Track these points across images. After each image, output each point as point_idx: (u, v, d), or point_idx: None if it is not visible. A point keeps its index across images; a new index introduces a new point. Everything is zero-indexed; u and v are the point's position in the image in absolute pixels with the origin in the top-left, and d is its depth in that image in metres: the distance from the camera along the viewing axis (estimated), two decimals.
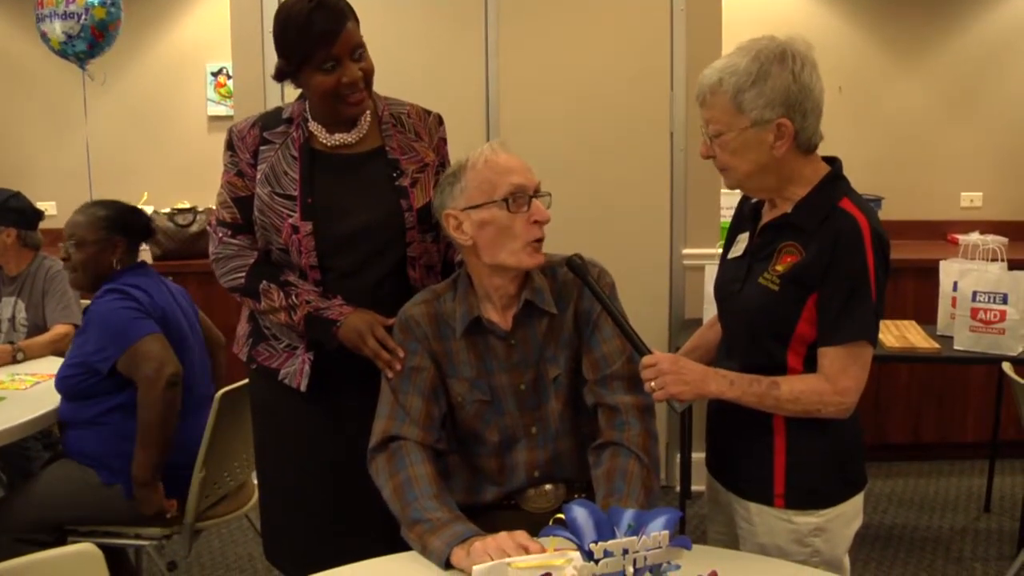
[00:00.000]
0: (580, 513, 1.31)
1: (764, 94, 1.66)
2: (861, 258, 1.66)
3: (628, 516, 1.32)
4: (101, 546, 1.61)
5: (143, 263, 2.79)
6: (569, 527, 1.31)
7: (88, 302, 3.43)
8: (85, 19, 3.94)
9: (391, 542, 1.70)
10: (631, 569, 1.24)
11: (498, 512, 1.85)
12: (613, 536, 1.28)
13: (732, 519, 1.89)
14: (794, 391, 1.69)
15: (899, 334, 3.31)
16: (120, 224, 2.71)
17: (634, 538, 1.25)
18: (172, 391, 2.47)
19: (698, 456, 2.08)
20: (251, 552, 3.47)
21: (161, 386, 2.45)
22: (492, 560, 1.48)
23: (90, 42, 4.00)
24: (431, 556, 1.61)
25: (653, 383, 1.68)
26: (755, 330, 1.77)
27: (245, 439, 2.59)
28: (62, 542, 2.51)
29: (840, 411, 1.70)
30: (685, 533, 2.91)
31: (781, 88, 1.66)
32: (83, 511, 2.56)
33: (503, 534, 1.56)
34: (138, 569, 2.93)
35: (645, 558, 1.25)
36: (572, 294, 1.85)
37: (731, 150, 1.72)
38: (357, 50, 1.95)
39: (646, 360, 1.70)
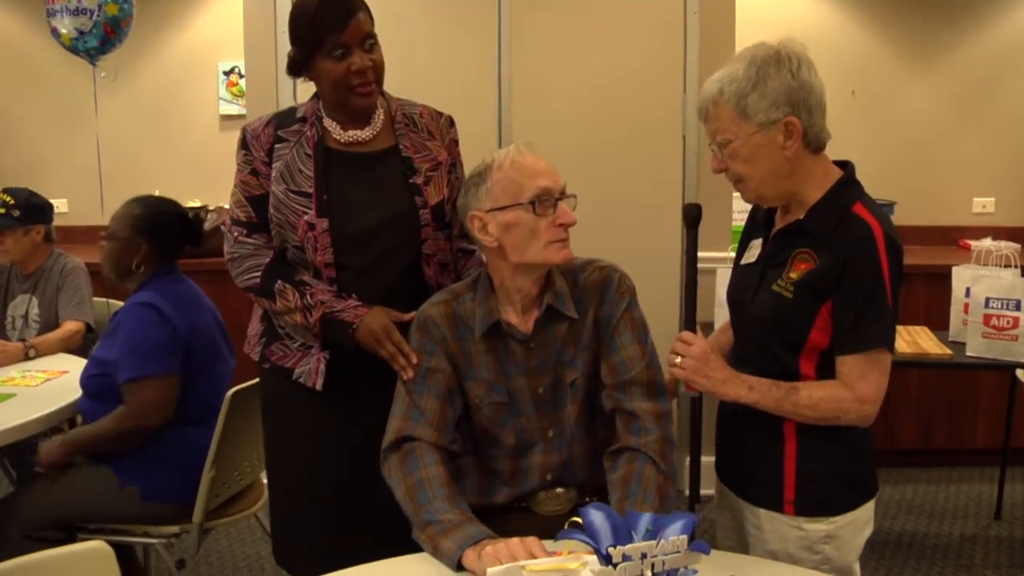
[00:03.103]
0: (597, 516, 1.30)
1: (767, 95, 1.65)
2: (876, 265, 1.65)
3: (646, 520, 1.31)
4: (109, 543, 1.61)
5: (173, 269, 2.71)
6: (586, 530, 1.30)
7: (100, 300, 3.46)
8: (97, 15, 3.89)
9: (402, 543, 1.69)
10: (649, 574, 1.23)
11: (509, 515, 1.85)
12: (631, 540, 1.27)
13: (742, 525, 1.87)
14: (813, 397, 1.68)
15: (911, 340, 3.29)
16: (148, 227, 2.65)
17: (652, 542, 1.24)
18: (137, 435, 2.49)
19: (707, 460, 2.06)
20: (259, 552, 3.47)
21: (129, 425, 2.48)
22: (503, 564, 1.47)
23: (101, 38, 3.95)
24: (442, 558, 1.61)
25: (678, 360, 1.70)
26: (768, 337, 1.75)
27: (255, 439, 2.58)
28: (72, 539, 2.50)
29: (862, 419, 1.69)
30: (695, 537, 2.89)
31: (782, 87, 1.65)
32: (98, 511, 2.55)
33: (515, 540, 1.55)
34: (146, 567, 2.93)
35: (663, 562, 1.24)
36: (592, 299, 1.84)
37: (743, 158, 1.71)
38: (367, 40, 1.96)
39: (685, 335, 1.72)
